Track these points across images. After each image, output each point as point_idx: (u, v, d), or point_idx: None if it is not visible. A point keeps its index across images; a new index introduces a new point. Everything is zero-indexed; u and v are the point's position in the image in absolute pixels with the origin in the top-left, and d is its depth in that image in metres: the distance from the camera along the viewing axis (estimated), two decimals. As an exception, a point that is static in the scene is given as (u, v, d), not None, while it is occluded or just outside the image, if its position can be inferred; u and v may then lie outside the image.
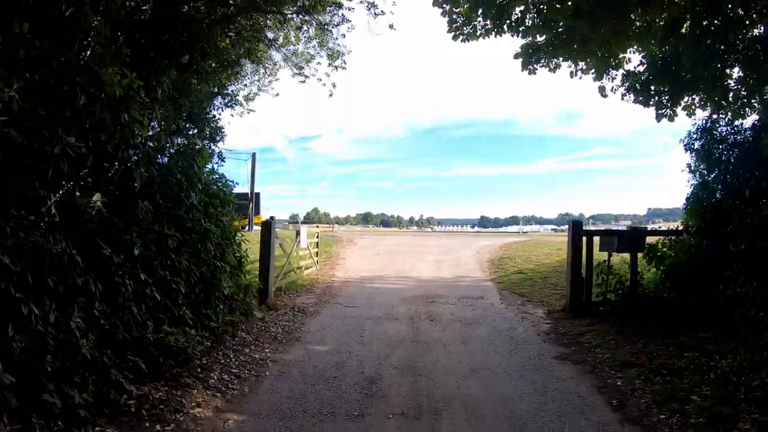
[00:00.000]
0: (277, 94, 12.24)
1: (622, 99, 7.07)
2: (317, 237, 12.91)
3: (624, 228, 10.43)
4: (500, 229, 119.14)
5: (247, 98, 12.37)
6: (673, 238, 6.96)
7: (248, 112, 12.48)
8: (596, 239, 7.35)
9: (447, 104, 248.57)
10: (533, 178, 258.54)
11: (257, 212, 46.15)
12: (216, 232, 5.35)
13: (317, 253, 12.85)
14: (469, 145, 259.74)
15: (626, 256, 7.08)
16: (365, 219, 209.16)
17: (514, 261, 12.98)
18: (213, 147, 6.99)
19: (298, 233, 10.40)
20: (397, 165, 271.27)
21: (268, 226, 7.19)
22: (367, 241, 21.91)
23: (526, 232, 59.08)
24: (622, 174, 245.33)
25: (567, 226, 7.79)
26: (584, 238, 7.10)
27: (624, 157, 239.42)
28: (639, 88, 6.94)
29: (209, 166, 6.06)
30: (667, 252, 6.75)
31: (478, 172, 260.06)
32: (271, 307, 7.07)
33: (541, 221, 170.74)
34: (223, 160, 6.71)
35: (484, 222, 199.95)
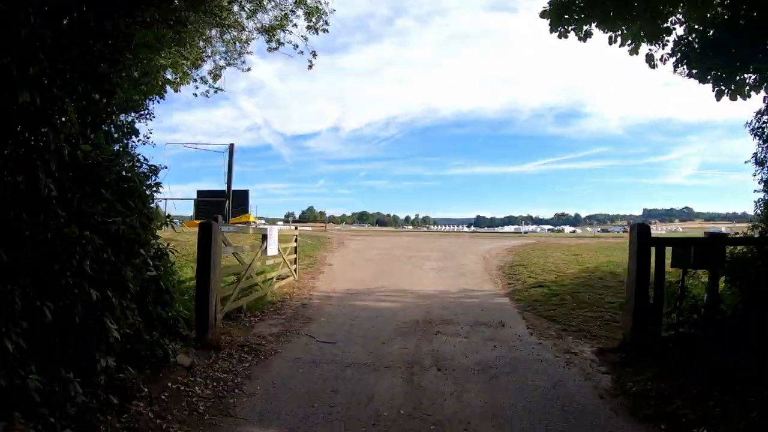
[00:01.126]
0: (249, 69, 10.18)
1: (675, 71, 5.79)
2: (296, 240, 10.84)
3: (701, 235, 8.60)
4: (496, 230, 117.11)
5: (215, 74, 10.34)
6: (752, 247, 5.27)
7: (215, 91, 10.46)
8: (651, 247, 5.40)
9: (444, 103, 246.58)
10: (529, 178, 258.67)
11: (245, 211, 44.04)
12: (95, 240, 3.27)
13: (296, 260, 10.77)
14: (466, 144, 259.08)
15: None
16: (361, 218, 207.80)
17: (529, 269, 10.96)
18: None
19: (264, 237, 8.28)
20: (393, 164, 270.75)
21: (207, 231, 5.06)
22: (359, 243, 19.84)
23: (526, 233, 57.17)
24: (617, 174, 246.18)
25: (632, 231, 5.89)
26: (653, 249, 5.09)
27: (619, 157, 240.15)
28: (693, 60, 5.57)
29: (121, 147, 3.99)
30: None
31: (474, 171, 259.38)
32: (211, 345, 4.99)
33: (538, 221, 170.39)
34: (136, 135, 4.62)
35: (479, 222, 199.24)
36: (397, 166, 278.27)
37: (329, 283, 10.13)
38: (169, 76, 8.46)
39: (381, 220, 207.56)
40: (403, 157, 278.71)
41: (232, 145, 19.21)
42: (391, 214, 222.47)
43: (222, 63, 9.94)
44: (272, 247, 8.36)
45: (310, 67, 9.11)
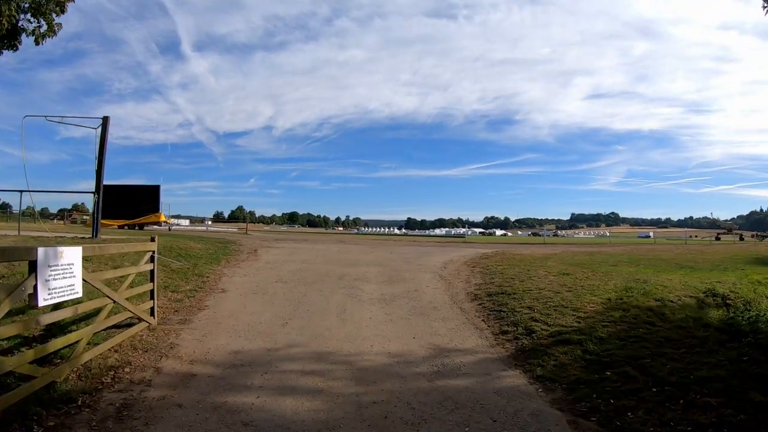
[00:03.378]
0: None
1: None
2: (151, 260, 6.32)
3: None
4: (428, 232, 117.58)
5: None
6: None
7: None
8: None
9: (379, 106, 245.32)
10: (460, 182, 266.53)
11: (155, 209, 36.87)
12: None
13: (153, 292, 6.27)
14: (399, 147, 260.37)
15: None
16: (291, 219, 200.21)
17: (521, 302, 7.29)
18: None
19: (34, 268, 3.77)
20: (325, 165, 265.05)
21: None
22: (277, 251, 15.32)
23: (463, 236, 54.95)
24: (546, 180, 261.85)
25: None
26: None
27: (549, 164, 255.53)
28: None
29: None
30: None
31: (405, 174, 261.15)
32: None
33: (468, 224, 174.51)
34: None
35: (410, 224, 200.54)
36: (330, 167, 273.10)
37: (205, 335, 5.74)
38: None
39: (311, 221, 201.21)
40: (336, 158, 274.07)
41: (106, 119, 13.76)
42: (322, 215, 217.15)
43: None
44: (74, 284, 3.89)
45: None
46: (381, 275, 10.35)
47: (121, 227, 33.42)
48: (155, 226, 35.96)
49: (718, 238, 54.87)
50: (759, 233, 68.10)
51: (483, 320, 6.71)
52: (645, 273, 9.87)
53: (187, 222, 63.98)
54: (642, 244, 36.70)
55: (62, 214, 58.64)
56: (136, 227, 34.63)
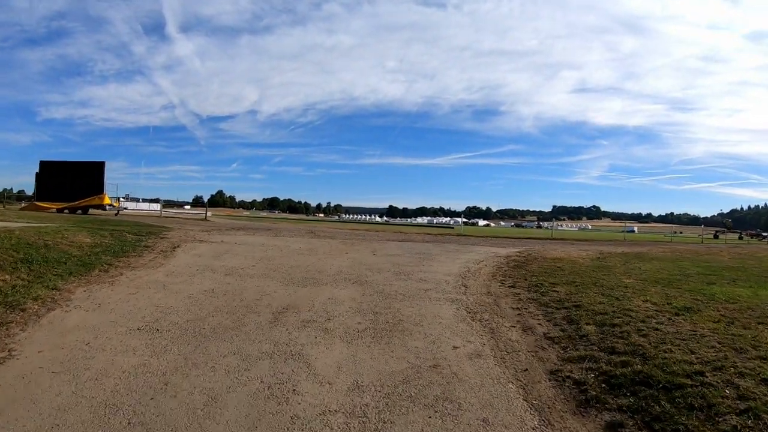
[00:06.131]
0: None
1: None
2: None
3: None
4: (409, 220, 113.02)
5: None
6: None
7: None
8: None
9: (365, 92, 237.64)
10: (442, 171, 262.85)
11: (98, 190, 31.07)
12: None
13: None
14: (383, 134, 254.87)
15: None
16: (271, 205, 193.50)
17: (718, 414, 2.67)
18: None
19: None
20: (309, 151, 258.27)
21: None
22: (206, 249, 10.18)
23: (449, 225, 50.12)
24: (529, 171, 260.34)
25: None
26: None
27: (532, 156, 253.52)
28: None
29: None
30: None
31: (389, 161, 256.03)
32: None
33: (450, 213, 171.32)
34: None
35: (392, 212, 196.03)
36: (313, 153, 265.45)
37: None
38: None
39: (292, 207, 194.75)
40: (320, 144, 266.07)
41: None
42: (303, 201, 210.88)
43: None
44: None
45: None
46: (358, 312, 5.44)
47: (60, 211, 27.86)
48: (100, 210, 30.40)
49: (716, 236, 51.98)
50: (751, 232, 65.79)
51: None
52: None
53: (146, 205, 57.64)
54: (673, 243, 32.83)
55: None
56: (79, 211, 29.07)
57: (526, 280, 7.61)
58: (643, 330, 4.62)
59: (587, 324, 4.99)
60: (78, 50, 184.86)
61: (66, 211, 28.06)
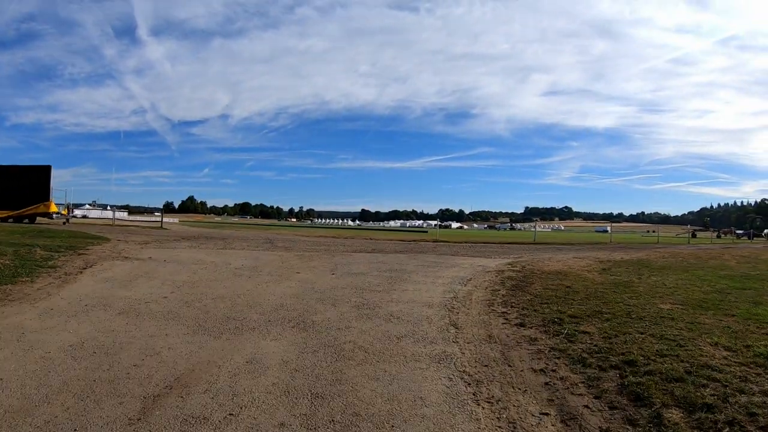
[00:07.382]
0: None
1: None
2: None
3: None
4: (382, 224, 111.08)
5: None
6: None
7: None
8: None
9: (336, 96, 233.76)
10: (415, 174, 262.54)
11: (44, 197, 27.53)
12: None
13: None
14: (355, 139, 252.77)
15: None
16: (243, 210, 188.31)
17: None
18: None
19: None
20: (281, 155, 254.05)
21: None
22: (120, 271, 7.59)
23: (422, 229, 47.94)
24: (501, 173, 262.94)
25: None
26: None
27: (504, 158, 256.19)
28: None
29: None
30: None
31: (361, 165, 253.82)
32: None
33: (423, 216, 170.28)
34: None
35: (365, 215, 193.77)
36: (286, 158, 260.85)
37: None
38: None
39: (265, 212, 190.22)
40: (292, 148, 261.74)
41: None
42: (275, 206, 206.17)
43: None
44: None
45: None
46: (285, 395, 3.21)
47: (4, 220, 24.51)
48: (47, 219, 27.20)
49: (694, 235, 52.15)
50: (726, 230, 66.69)
51: None
52: None
53: (99, 212, 53.42)
54: (674, 244, 31.92)
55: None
56: (26, 220, 25.81)
57: (535, 311, 5.55)
58: (754, 411, 2.62)
59: (665, 406, 2.94)
60: (48, 53, 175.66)
61: (10, 220, 24.90)
